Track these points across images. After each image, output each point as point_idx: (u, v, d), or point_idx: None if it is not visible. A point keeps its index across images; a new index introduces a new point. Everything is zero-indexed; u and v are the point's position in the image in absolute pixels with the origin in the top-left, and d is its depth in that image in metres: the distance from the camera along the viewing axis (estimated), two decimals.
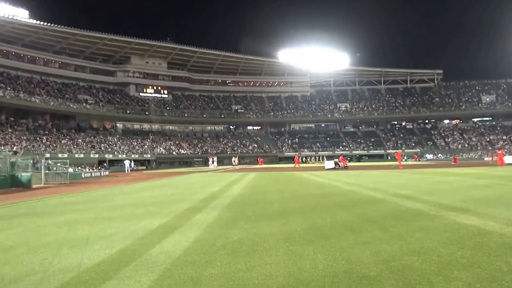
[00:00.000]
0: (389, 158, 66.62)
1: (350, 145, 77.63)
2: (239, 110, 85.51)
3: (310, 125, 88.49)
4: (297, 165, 42.96)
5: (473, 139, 73.62)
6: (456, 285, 3.20)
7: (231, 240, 5.15)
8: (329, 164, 33.37)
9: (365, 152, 73.79)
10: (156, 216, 7.41)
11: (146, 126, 75.97)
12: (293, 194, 11.16)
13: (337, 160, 34.10)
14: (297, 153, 63.95)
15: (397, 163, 35.38)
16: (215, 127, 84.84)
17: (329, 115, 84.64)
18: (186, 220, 6.85)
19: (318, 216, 6.78)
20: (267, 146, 78.05)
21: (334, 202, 8.81)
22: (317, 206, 8.20)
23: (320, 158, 69.96)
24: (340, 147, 76.82)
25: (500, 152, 35.83)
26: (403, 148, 72.13)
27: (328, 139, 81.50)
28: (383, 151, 73.62)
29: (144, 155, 62.51)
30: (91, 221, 7.16)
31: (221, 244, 4.93)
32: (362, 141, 79.67)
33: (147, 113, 72.96)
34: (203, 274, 3.73)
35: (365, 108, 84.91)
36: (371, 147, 76.49)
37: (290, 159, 65.52)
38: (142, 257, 4.40)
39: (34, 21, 57.81)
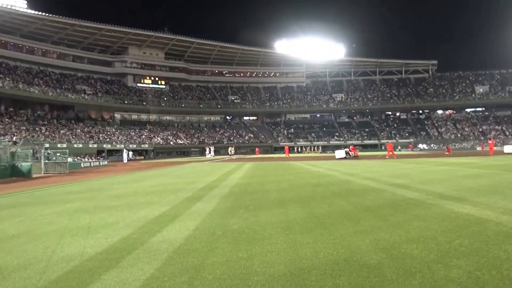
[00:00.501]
0: (383, 148, 66.45)
1: (345, 135, 77.70)
2: (235, 101, 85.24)
3: (306, 116, 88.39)
4: (287, 156, 42.96)
5: (466, 129, 73.82)
6: (456, 272, 3.21)
7: (231, 228, 5.15)
8: (340, 153, 33.22)
9: (359, 142, 73.63)
10: (156, 205, 7.40)
11: (143, 116, 75.63)
12: (290, 184, 11.16)
13: (347, 149, 34.00)
14: (287, 144, 63.81)
15: (385, 153, 35.54)
16: (212, 117, 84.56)
17: (325, 106, 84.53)
18: (186, 209, 6.84)
19: (316, 205, 6.79)
20: (263, 136, 77.96)
21: (332, 191, 8.81)
22: (314, 195, 8.21)
23: (315, 148, 70.09)
24: (335, 137, 76.92)
25: (491, 142, 36.08)
26: (396, 138, 72.40)
27: (323, 129, 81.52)
28: (377, 141, 73.79)
29: (142, 145, 62.32)
30: (92, 210, 7.15)
31: (221, 232, 4.93)
32: (356, 131, 79.74)
33: (144, 103, 72.54)
34: (205, 262, 3.72)
35: (360, 98, 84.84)
36: (365, 137, 76.61)
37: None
38: (144, 246, 4.39)
39: (33, 11, 56.98)
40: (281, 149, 71.46)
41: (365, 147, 71.93)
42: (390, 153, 32.00)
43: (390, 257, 3.65)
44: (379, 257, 3.65)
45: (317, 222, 5.39)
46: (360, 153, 38.80)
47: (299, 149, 69.79)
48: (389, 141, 53.64)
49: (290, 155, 47.46)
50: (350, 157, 32.11)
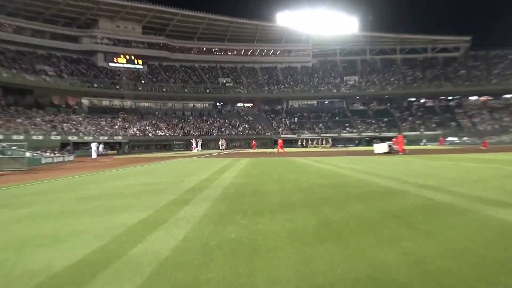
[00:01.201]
0: (405, 142, 66.25)
1: (359, 126, 77.94)
2: (227, 84, 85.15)
3: (312, 102, 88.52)
4: (280, 150, 42.89)
5: (505, 119, 74.04)
6: None
7: (228, 238, 5.11)
8: (381, 147, 31.93)
9: (376, 135, 73.95)
10: (135, 210, 7.36)
11: (116, 102, 75.50)
12: (296, 184, 11.14)
13: (390, 142, 32.88)
14: (286, 137, 63.79)
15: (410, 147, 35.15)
16: (199, 104, 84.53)
17: (335, 90, 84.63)
18: (171, 214, 6.80)
19: (328, 210, 6.75)
20: (260, 126, 78.04)
21: (347, 194, 8.78)
22: (326, 198, 8.19)
23: (324, 141, 70.12)
24: (347, 128, 77.17)
25: None
26: (421, 130, 72.65)
27: (333, 118, 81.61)
28: (397, 133, 73.56)
29: (115, 137, 62.36)
30: (57, 215, 7.08)
31: (216, 243, 4.89)
32: (373, 121, 79.93)
33: (118, 87, 72.42)
34: (199, 279, 3.68)
35: (377, 81, 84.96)
36: (383, 128, 76.86)
37: (288, 142, 65.62)
38: (123, 258, 4.34)
39: None
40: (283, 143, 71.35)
41: (384, 140, 71.32)
42: (401, 147, 31.47)
43: (422, 274, 3.61)
44: (409, 274, 3.62)
45: (331, 230, 5.36)
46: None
47: (304, 143, 69.87)
48: (398, 134, 53.21)
49: (292, 149, 47.34)
50: (394, 152, 30.94)
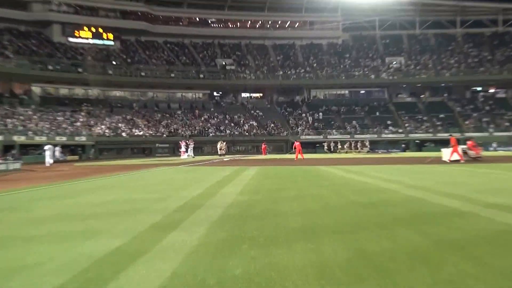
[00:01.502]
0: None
1: (406, 124, 77.49)
2: (228, 67, 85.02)
3: (343, 92, 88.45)
4: (299, 156, 43.31)
5: None
6: None
7: (231, 275, 5.06)
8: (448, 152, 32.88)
9: (430, 136, 73.45)
10: (105, 236, 7.34)
11: (79, 91, 75.68)
12: (322, 203, 11.11)
13: (465, 147, 33.39)
14: (303, 139, 63.32)
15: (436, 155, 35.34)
16: (190, 94, 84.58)
17: (373, 76, 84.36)
18: (154, 242, 6.75)
19: (367, 238, 6.70)
20: (272, 125, 77.83)
21: (392, 216, 8.74)
22: (363, 223, 8.13)
23: (359, 144, 69.59)
24: (390, 127, 76.73)
25: None
26: (489, 130, 72.16)
27: (371, 114, 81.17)
28: (459, 133, 73.07)
29: (76, 138, 62.39)
30: (2, 242, 7.09)
31: (215, 281, 4.84)
32: (424, 117, 79.47)
33: (80, 70, 72.42)
34: None
35: (430, 65, 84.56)
36: (439, 127, 76.33)
37: (309, 146, 65.33)
38: None
39: None
40: (304, 146, 70.64)
41: (440, 144, 70.72)
42: (455, 153, 31.77)
43: None
44: None
45: (371, 265, 5.29)
46: (433, 154, 38.55)
47: (332, 147, 69.48)
48: (454, 134, 52.72)
49: (315, 155, 46.98)
50: (469, 159, 31.51)
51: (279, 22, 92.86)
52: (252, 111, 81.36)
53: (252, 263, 5.52)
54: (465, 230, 7.18)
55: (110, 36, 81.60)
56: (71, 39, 77.89)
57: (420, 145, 71.42)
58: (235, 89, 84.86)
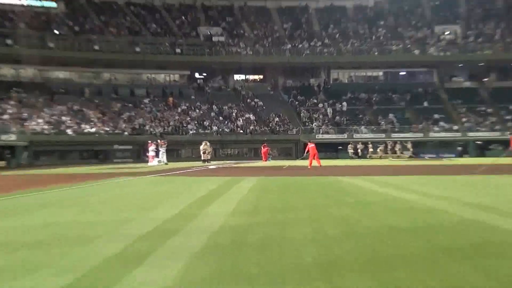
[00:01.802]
0: None
1: (463, 119, 77.07)
2: (215, 38, 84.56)
3: (375, 74, 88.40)
4: (315, 163, 41.92)
5: None
6: None
7: None
8: None
9: (496, 135, 72.49)
10: (43, 273, 6.78)
11: (7, 71, 75.77)
12: (345, 227, 10.66)
13: None
14: (312, 139, 61.39)
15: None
16: (162, 75, 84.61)
17: (417, 52, 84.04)
18: (113, 282, 6.27)
19: (410, 278, 6.14)
20: (277, 119, 77.58)
21: (441, 247, 8.12)
22: (403, 255, 7.59)
23: (397, 147, 69.51)
24: (440, 122, 76.42)
25: None
26: None
27: (415, 104, 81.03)
28: None
29: (3, 136, 61.21)
30: None
31: None
32: (488, 109, 79.11)
33: (9, 42, 72.45)
34: None
35: (496, 36, 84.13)
36: (510, 123, 75.27)
37: (328, 148, 65.25)
38: None
39: None
40: (321, 148, 68.14)
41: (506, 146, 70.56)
42: None
43: None
44: None
45: None
46: (501, 161, 38.70)
47: (360, 150, 69.55)
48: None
49: (337, 161, 47.16)
50: None
51: None
52: (248, 100, 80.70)
53: None
54: None
55: None
56: None
57: (483, 148, 71.09)
58: (225, 68, 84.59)
